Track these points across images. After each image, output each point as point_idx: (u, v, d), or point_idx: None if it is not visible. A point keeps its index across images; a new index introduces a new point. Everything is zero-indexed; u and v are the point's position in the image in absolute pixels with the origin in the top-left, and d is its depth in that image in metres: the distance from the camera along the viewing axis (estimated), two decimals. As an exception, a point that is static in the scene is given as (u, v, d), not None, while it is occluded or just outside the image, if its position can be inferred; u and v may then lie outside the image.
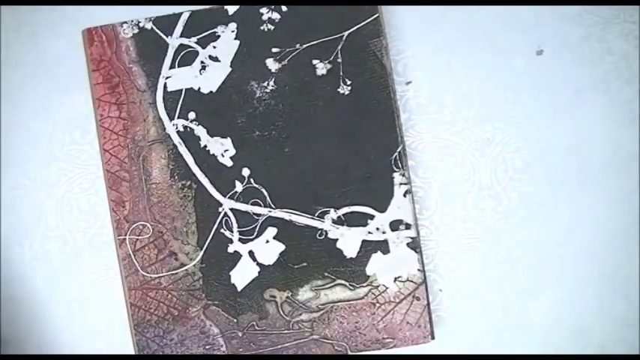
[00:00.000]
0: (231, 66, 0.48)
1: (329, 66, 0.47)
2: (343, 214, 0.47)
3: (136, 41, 0.48)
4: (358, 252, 0.47)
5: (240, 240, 0.47)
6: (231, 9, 0.47)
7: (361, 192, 0.47)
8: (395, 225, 0.47)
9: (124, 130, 0.48)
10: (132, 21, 0.48)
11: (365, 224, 0.47)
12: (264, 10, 0.47)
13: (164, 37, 0.48)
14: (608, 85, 0.48)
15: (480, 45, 0.48)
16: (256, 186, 0.47)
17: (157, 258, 0.48)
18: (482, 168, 0.48)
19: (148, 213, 0.48)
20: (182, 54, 0.48)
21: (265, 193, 0.47)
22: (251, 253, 0.47)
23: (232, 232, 0.47)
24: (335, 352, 0.47)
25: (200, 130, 0.48)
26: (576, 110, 0.48)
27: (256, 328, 0.47)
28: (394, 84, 0.48)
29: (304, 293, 0.47)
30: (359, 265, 0.47)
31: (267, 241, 0.47)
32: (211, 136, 0.48)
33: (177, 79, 0.48)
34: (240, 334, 0.47)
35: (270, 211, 0.47)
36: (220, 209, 0.47)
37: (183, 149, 0.48)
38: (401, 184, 0.47)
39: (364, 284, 0.47)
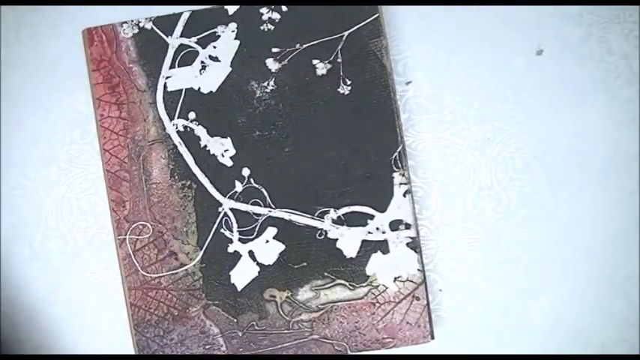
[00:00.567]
0: (231, 66, 0.48)
1: (329, 66, 0.47)
2: (343, 214, 0.47)
3: (136, 41, 0.48)
4: (358, 252, 0.47)
5: (240, 240, 0.47)
6: (231, 9, 0.47)
7: (361, 192, 0.47)
8: (395, 225, 0.47)
9: (124, 130, 0.48)
10: (132, 21, 0.48)
11: (365, 224, 0.47)
12: (264, 10, 0.47)
13: (164, 37, 0.48)
14: (608, 85, 0.48)
15: (479, 45, 0.48)
16: (256, 186, 0.47)
17: (157, 258, 0.48)
18: (482, 168, 0.48)
19: (148, 213, 0.48)
20: (182, 54, 0.48)
21: (265, 193, 0.47)
22: (251, 253, 0.47)
23: (232, 232, 0.47)
24: (335, 352, 0.47)
25: (200, 130, 0.48)
26: (576, 110, 0.48)
27: (256, 328, 0.47)
28: (394, 84, 0.48)
29: (304, 293, 0.47)
30: (359, 265, 0.47)
31: (267, 241, 0.47)
32: (211, 136, 0.48)
33: (178, 79, 0.48)
34: (240, 334, 0.47)
35: (270, 211, 0.47)
36: (220, 209, 0.47)
37: (183, 149, 0.48)
38: (401, 184, 0.47)
39: (364, 284, 0.47)
